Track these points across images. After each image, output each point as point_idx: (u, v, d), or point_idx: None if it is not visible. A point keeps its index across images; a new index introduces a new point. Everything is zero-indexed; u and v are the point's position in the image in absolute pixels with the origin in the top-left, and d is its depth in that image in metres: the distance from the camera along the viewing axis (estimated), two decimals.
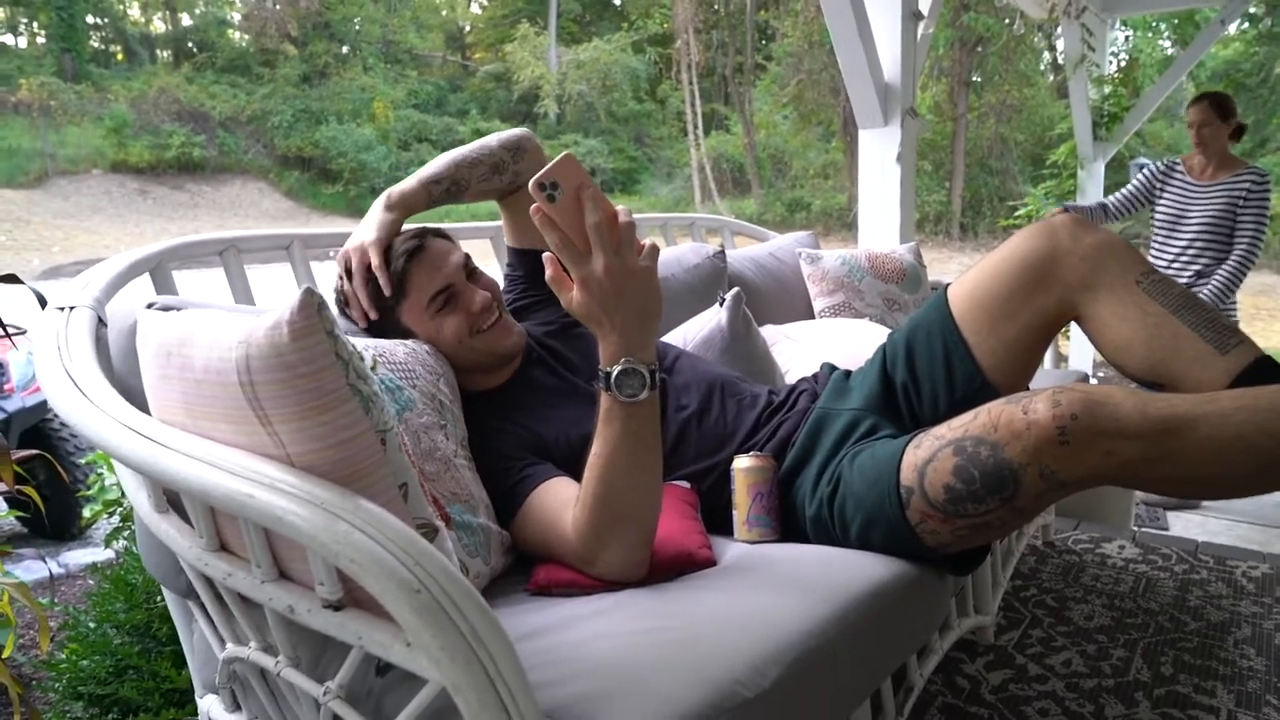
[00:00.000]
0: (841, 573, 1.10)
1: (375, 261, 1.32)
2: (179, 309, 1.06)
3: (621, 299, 0.97)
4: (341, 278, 1.38)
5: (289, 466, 0.79)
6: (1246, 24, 18.70)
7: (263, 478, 0.77)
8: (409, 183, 1.44)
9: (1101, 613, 1.99)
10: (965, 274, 1.37)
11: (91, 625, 1.85)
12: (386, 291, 1.31)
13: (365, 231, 1.36)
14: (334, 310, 1.41)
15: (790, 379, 1.87)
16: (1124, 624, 1.94)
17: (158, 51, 24.85)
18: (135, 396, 0.98)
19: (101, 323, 1.13)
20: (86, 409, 0.92)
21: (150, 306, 1.11)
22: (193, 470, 0.80)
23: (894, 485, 1.14)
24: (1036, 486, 1.04)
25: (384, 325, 1.34)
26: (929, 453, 1.12)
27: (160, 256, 1.37)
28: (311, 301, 0.77)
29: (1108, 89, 5.28)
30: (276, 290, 1.12)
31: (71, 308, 1.12)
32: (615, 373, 0.99)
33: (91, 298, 1.15)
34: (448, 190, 1.47)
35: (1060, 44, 5.22)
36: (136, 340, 0.97)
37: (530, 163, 1.55)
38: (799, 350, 2.02)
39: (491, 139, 1.55)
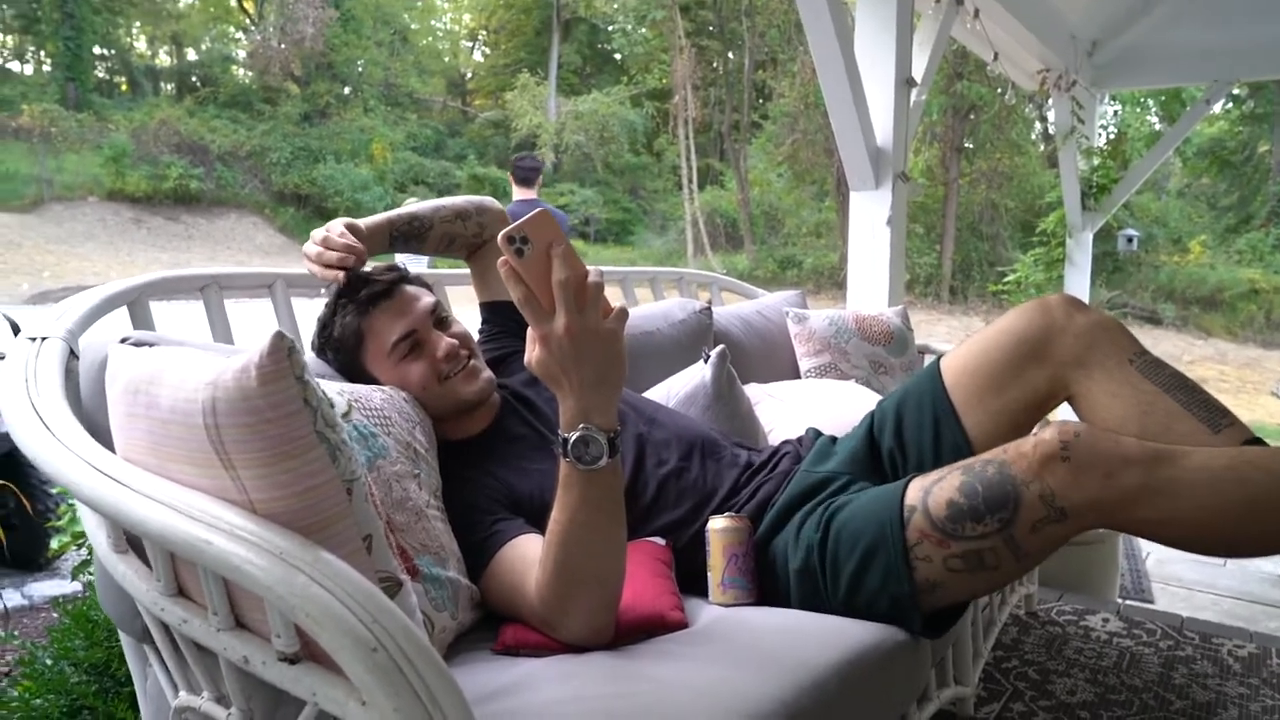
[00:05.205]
0: (816, 640, 1.07)
1: (340, 231, 1.36)
2: (152, 345, 1.04)
3: (581, 360, 0.94)
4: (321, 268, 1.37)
5: (250, 513, 0.77)
6: (1230, 104, 19.19)
7: (222, 524, 0.75)
8: (372, 218, 1.47)
9: (1084, 687, 1.96)
10: (959, 346, 1.37)
11: (49, 662, 1.79)
12: (356, 254, 1.34)
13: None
14: (309, 354, 1.40)
15: (773, 439, 1.85)
16: (1107, 700, 1.90)
17: (161, 84, 25.09)
18: (102, 433, 0.95)
19: (74, 355, 1.11)
20: (48, 442, 0.90)
21: (123, 341, 1.09)
22: (151, 512, 0.78)
23: (898, 507, 1.15)
24: (1036, 511, 1.06)
25: (350, 371, 1.32)
26: (938, 475, 1.15)
27: (140, 290, 1.35)
28: (281, 345, 0.76)
29: (1096, 160, 5.36)
30: (261, 327, 1.10)
31: (44, 338, 1.10)
32: (573, 439, 0.96)
33: (65, 329, 1.13)
34: (410, 224, 1.47)
35: (1051, 115, 5.29)
36: (106, 375, 0.95)
37: (493, 219, 1.58)
38: (783, 409, 2.00)
39: (458, 197, 1.59)
